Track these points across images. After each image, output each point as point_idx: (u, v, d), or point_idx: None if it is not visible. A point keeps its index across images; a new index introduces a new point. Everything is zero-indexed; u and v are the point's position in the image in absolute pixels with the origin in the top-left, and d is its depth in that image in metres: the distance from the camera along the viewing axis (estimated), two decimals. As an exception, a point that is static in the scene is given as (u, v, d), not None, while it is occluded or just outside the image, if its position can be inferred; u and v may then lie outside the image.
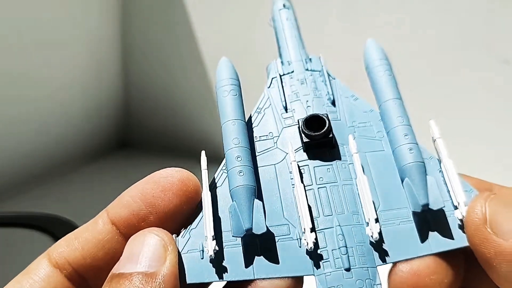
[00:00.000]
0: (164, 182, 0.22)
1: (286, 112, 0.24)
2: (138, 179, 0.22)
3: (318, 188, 0.21)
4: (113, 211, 0.22)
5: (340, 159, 0.22)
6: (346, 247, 0.20)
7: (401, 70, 0.69)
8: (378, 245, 0.20)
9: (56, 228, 0.43)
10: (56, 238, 0.44)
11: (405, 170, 0.21)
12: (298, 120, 0.23)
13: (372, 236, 0.19)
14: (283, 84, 0.25)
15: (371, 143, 0.23)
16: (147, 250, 0.19)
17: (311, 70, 0.26)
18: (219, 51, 0.74)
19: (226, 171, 0.22)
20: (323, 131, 0.22)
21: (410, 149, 0.21)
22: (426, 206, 0.20)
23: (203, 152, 0.23)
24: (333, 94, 0.24)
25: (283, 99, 0.24)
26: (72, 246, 0.22)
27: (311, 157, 0.22)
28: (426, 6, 0.60)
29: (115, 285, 0.19)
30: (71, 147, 0.75)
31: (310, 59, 0.26)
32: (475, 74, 0.59)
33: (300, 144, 0.22)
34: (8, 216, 0.45)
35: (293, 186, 0.21)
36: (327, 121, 0.22)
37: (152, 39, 0.78)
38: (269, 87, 0.25)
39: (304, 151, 0.22)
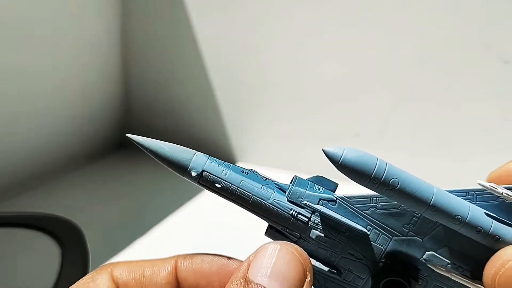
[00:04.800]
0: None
1: (341, 276, 0.21)
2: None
3: None
4: (183, 272, 0.22)
5: (424, 281, 0.20)
6: None
7: (401, 70, 0.70)
8: None
9: (56, 228, 0.43)
10: (56, 238, 0.44)
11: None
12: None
13: None
14: (309, 252, 0.20)
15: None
16: (288, 271, 0.18)
17: (312, 213, 0.20)
18: (219, 51, 0.74)
19: None
20: None
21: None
22: None
23: None
24: (359, 223, 0.20)
25: (329, 268, 0.21)
26: (139, 282, 0.22)
27: None
28: (426, 6, 0.60)
29: None
30: (71, 147, 0.75)
31: (295, 194, 0.21)
32: (475, 74, 0.59)
33: None
34: (8, 216, 0.45)
35: None
36: (406, 285, 0.20)
37: (152, 39, 0.78)
38: None
39: None
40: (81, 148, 0.76)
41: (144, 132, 0.94)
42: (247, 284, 0.18)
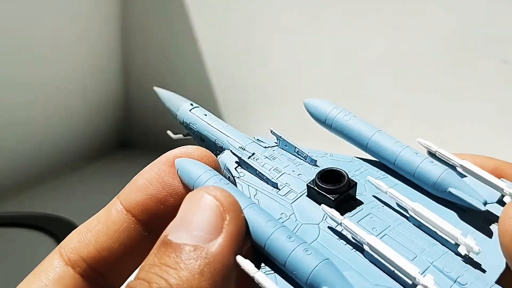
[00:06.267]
0: (178, 156, 0.20)
1: (279, 189, 0.21)
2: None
3: (381, 238, 0.19)
4: (127, 197, 0.20)
5: (369, 205, 0.20)
6: (459, 277, 0.18)
7: (401, 70, 0.70)
8: (473, 263, 0.18)
9: (56, 228, 0.43)
10: (56, 238, 0.44)
11: (441, 182, 0.20)
12: (308, 185, 0.20)
13: (473, 251, 0.18)
14: (254, 165, 0.22)
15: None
16: (201, 218, 0.17)
17: (269, 147, 0.23)
18: (219, 51, 0.74)
19: (272, 271, 0.18)
20: (346, 179, 0.20)
21: (432, 162, 0.20)
22: (485, 203, 0.19)
23: (239, 258, 0.17)
24: (312, 155, 0.22)
25: (267, 179, 0.21)
26: (85, 240, 0.20)
27: (344, 214, 0.19)
28: (426, 6, 0.60)
29: (161, 255, 0.17)
30: (71, 147, 0.75)
31: (258, 139, 0.23)
32: (475, 74, 0.59)
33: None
34: (8, 216, 0.46)
35: (353, 250, 0.18)
36: (342, 170, 0.20)
37: (152, 39, 0.78)
38: (239, 177, 0.22)
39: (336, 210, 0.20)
40: (81, 148, 0.76)
41: (144, 132, 0.95)
42: (159, 246, 0.17)
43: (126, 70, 0.81)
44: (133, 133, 0.84)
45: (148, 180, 0.20)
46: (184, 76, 0.78)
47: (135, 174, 0.21)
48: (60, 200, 0.66)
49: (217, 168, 0.20)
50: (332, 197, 0.19)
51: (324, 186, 0.20)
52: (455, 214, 0.20)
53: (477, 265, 0.18)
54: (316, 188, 0.20)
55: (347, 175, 0.20)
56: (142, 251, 0.20)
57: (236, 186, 0.21)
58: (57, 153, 0.72)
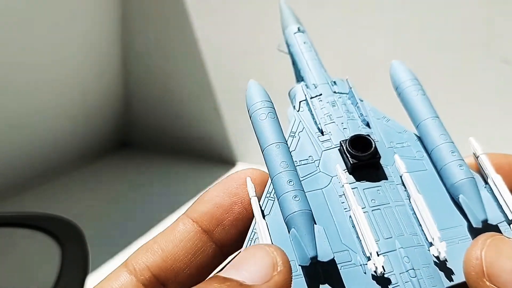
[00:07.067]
0: (244, 175, 0.22)
1: (322, 135, 0.23)
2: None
3: (372, 210, 0.20)
4: (194, 210, 0.22)
5: (386, 179, 0.21)
6: (413, 269, 0.19)
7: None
8: (442, 265, 0.19)
9: (57, 228, 0.43)
10: (56, 238, 0.44)
11: (458, 187, 0.21)
12: (340, 142, 0.22)
13: (439, 256, 0.19)
14: (313, 107, 0.24)
15: (412, 163, 0.22)
16: (253, 262, 0.18)
17: (339, 93, 0.25)
18: (219, 51, 0.74)
19: (275, 198, 0.21)
20: (371, 151, 0.21)
21: (460, 166, 0.21)
22: (485, 221, 0.20)
23: (248, 179, 0.21)
24: (366, 116, 0.24)
25: (317, 122, 0.23)
26: (151, 250, 0.21)
27: (357, 179, 0.21)
28: (426, 6, 0.60)
29: (204, 284, 0.17)
30: (71, 147, 0.75)
31: (335, 82, 0.25)
32: (475, 74, 0.59)
33: (344, 167, 0.22)
34: (8, 216, 0.45)
35: (345, 210, 0.21)
36: (373, 141, 0.21)
37: (152, 39, 0.78)
38: (298, 110, 0.24)
39: (350, 173, 0.21)
40: (81, 148, 0.77)
41: (144, 132, 0.95)
42: (208, 279, 0.18)
43: (126, 70, 0.81)
44: (133, 133, 0.84)
45: (214, 192, 0.22)
46: (184, 76, 0.78)
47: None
48: (60, 200, 0.66)
49: (263, 183, 0.22)
50: (351, 160, 0.21)
51: (349, 149, 0.21)
52: (464, 220, 0.21)
53: (443, 268, 0.19)
54: (343, 147, 0.22)
55: (375, 147, 0.21)
56: (207, 263, 0.21)
57: (295, 117, 0.24)
58: (57, 153, 0.73)
